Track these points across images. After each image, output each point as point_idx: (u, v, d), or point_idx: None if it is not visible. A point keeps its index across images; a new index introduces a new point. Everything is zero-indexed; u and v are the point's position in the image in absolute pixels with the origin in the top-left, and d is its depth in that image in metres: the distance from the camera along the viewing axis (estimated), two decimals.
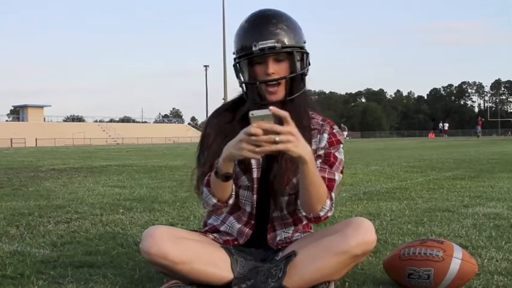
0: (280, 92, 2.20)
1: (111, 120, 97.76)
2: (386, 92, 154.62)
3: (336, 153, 2.31)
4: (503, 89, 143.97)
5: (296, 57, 2.20)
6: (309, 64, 2.27)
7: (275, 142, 1.84)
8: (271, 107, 1.84)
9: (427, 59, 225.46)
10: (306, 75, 2.26)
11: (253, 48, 2.15)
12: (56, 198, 5.92)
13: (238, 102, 2.35)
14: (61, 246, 3.35)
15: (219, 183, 2.08)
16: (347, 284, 2.40)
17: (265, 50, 2.14)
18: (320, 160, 2.27)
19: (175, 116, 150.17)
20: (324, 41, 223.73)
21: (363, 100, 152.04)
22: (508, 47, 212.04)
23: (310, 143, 2.19)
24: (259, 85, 2.19)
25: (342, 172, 2.31)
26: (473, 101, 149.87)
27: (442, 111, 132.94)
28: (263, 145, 1.85)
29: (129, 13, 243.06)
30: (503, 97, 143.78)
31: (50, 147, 41.49)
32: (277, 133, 1.84)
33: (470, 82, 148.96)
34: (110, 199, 5.76)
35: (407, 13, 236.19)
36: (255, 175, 2.27)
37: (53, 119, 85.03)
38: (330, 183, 2.21)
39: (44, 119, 77.76)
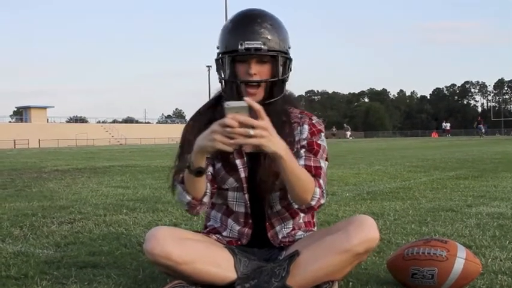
0: (259, 94, 2.20)
1: (114, 121, 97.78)
2: (389, 92, 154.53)
3: (319, 141, 2.32)
4: (506, 88, 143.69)
5: (280, 61, 2.20)
6: (291, 70, 2.27)
7: (249, 136, 1.83)
8: (246, 98, 1.84)
9: (430, 59, 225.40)
10: (287, 81, 2.26)
11: (239, 47, 2.14)
12: (59, 199, 5.93)
13: (215, 103, 2.34)
14: (65, 246, 3.35)
15: (192, 179, 2.08)
16: (350, 284, 2.40)
17: (251, 50, 2.14)
18: (304, 149, 2.27)
19: (178, 116, 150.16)
20: (326, 41, 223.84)
21: (366, 100, 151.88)
22: (511, 46, 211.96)
23: (292, 135, 2.22)
24: (239, 84, 2.19)
25: (327, 159, 2.32)
26: (476, 101, 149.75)
27: (445, 111, 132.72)
28: (237, 138, 1.83)
29: (131, 14, 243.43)
30: (506, 96, 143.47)
31: (53, 148, 41.55)
32: (252, 127, 1.83)
33: (473, 82, 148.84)
34: (113, 199, 5.76)
35: (410, 12, 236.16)
36: (242, 175, 2.26)
37: (56, 120, 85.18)
38: (316, 171, 2.21)
39: (47, 120, 77.86)
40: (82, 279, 2.56)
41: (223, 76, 2.23)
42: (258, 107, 1.84)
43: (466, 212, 4.47)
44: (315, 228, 2.48)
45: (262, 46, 2.15)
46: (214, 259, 2.15)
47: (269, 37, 2.16)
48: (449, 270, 2.26)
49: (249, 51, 2.14)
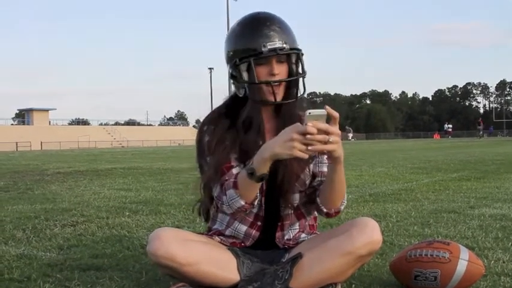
0: (280, 93, 2.22)
1: (116, 123, 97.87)
2: (391, 94, 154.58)
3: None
4: (508, 89, 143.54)
5: (301, 59, 2.24)
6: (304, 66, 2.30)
7: (327, 142, 1.88)
8: (326, 107, 1.88)
9: (431, 60, 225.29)
10: (305, 76, 2.28)
11: (263, 49, 2.15)
12: (62, 201, 5.93)
13: (232, 106, 2.33)
14: (67, 249, 3.35)
15: (250, 184, 2.07)
16: (353, 286, 2.40)
17: (276, 50, 2.15)
18: (326, 156, 2.27)
19: (180, 118, 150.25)
20: (328, 43, 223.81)
21: (368, 102, 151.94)
22: None
23: None
24: (266, 85, 2.19)
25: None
26: (478, 102, 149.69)
27: (447, 113, 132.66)
28: (315, 144, 1.87)
29: (133, 16, 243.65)
30: (509, 98, 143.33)
31: (55, 150, 41.59)
32: (329, 133, 1.88)
33: (475, 83, 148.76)
34: (115, 202, 5.76)
35: (412, 14, 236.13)
36: None
37: (58, 123, 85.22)
38: None
39: (49, 122, 77.89)
40: (85, 281, 2.56)
41: (247, 80, 2.21)
42: (336, 114, 1.89)
43: (468, 214, 4.46)
44: (317, 231, 2.49)
45: (285, 45, 2.17)
46: (218, 261, 2.15)
47: (285, 37, 2.19)
48: (452, 272, 2.26)
49: (274, 52, 2.15)
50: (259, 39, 2.17)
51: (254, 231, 2.32)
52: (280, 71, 2.20)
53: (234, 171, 2.19)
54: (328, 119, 1.89)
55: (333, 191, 2.18)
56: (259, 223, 2.32)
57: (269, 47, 2.15)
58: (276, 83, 2.19)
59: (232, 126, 2.28)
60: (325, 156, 2.26)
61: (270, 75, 2.18)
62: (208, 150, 2.28)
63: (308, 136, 1.86)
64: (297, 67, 2.25)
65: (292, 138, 1.89)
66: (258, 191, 2.17)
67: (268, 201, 2.29)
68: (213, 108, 2.41)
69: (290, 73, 2.24)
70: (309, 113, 1.86)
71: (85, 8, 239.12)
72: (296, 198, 2.29)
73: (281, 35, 2.18)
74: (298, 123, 1.89)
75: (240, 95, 2.27)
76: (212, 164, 2.24)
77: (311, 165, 2.28)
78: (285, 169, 2.21)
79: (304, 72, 2.25)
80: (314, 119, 1.86)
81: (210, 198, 2.31)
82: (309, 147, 1.88)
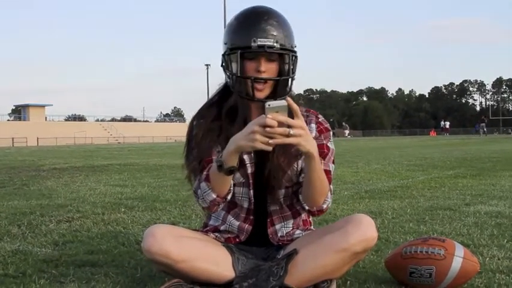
0: (266, 90, 2.21)
1: (113, 119, 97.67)
2: (387, 91, 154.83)
3: (328, 144, 2.34)
4: (504, 87, 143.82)
5: (288, 60, 2.21)
6: (295, 71, 2.27)
7: (288, 135, 1.86)
8: (288, 98, 1.86)
9: (428, 57, 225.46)
10: (294, 79, 2.26)
11: (252, 44, 2.14)
12: (57, 197, 5.93)
13: (220, 98, 2.34)
14: (63, 245, 3.35)
15: (221, 177, 2.08)
16: (348, 282, 2.40)
17: (264, 47, 2.14)
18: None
19: (176, 115, 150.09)
20: (325, 39, 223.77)
21: (365, 99, 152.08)
22: (509, 45, 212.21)
23: None
24: (252, 81, 2.17)
25: (333, 162, 2.34)
26: (474, 100, 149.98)
27: (443, 110, 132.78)
28: (276, 137, 1.86)
29: (130, 12, 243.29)
30: (505, 95, 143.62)
31: (51, 146, 41.53)
32: (290, 126, 1.86)
33: (471, 80, 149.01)
34: (111, 198, 5.76)
35: (409, 11, 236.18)
36: (249, 170, 2.26)
37: (55, 118, 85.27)
38: (326, 176, 2.22)
39: (46, 118, 77.77)
40: (80, 277, 2.55)
41: (233, 71, 2.21)
42: (295, 107, 1.87)
43: (464, 211, 4.47)
44: (312, 226, 2.49)
45: (275, 44, 2.15)
46: (213, 257, 2.15)
47: (279, 35, 2.17)
48: (447, 269, 2.26)
49: (262, 49, 2.14)
50: (251, 33, 2.15)
51: (247, 225, 2.32)
52: (268, 69, 2.18)
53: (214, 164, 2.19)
54: (290, 112, 1.87)
55: (312, 188, 2.14)
56: (251, 217, 2.32)
57: (259, 43, 2.13)
58: (259, 80, 2.17)
59: (219, 117, 2.28)
60: None
61: (257, 72, 2.17)
62: (195, 143, 2.29)
63: (268, 129, 1.85)
64: (289, 68, 2.22)
65: (253, 131, 1.88)
66: (242, 186, 2.21)
67: (258, 196, 2.29)
68: (205, 102, 2.41)
69: (280, 73, 2.22)
70: (269, 105, 1.84)
71: (81, 3, 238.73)
72: (282, 193, 2.29)
73: (276, 32, 2.16)
74: (263, 115, 1.87)
75: (228, 85, 2.28)
76: (194, 158, 2.25)
77: (299, 161, 2.26)
78: (271, 164, 2.20)
79: (291, 74, 2.22)
80: (274, 111, 1.84)
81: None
82: (270, 141, 1.87)
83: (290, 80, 2.24)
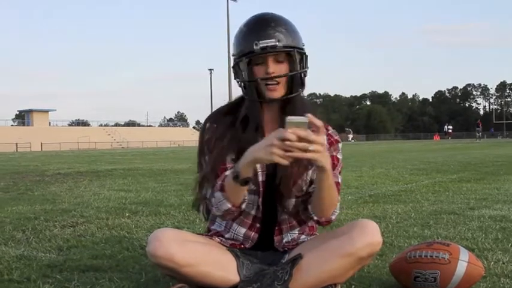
0: (279, 91, 2.20)
1: (116, 124, 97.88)
2: (391, 95, 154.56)
3: (338, 155, 2.34)
4: (508, 91, 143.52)
5: (296, 57, 2.20)
6: (308, 67, 2.27)
7: (306, 150, 1.86)
8: (308, 115, 1.86)
9: (432, 61, 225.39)
10: (306, 76, 2.26)
11: (254, 47, 2.14)
12: (61, 202, 5.94)
13: (235, 105, 2.34)
14: (67, 250, 3.35)
15: (236, 187, 2.08)
16: (353, 287, 2.40)
17: (266, 48, 2.14)
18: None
19: (180, 119, 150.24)
20: (328, 44, 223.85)
21: (368, 103, 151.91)
22: None
23: None
24: (260, 82, 2.18)
25: (340, 173, 2.35)
26: (478, 104, 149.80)
27: (447, 114, 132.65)
28: (294, 151, 1.86)
29: (133, 17, 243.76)
30: (509, 99, 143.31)
31: (55, 151, 41.58)
32: (310, 142, 1.85)
33: (475, 84, 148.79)
34: (115, 203, 5.76)
35: (412, 15, 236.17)
36: (260, 178, 2.26)
37: (58, 123, 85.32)
38: (337, 187, 2.23)
39: (49, 123, 77.92)
40: (84, 282, 2.56)
41: (244, 78, 2.22)
42: (319, 123, 1.87)
43: (468, 215, 4.46)
44: (317, 231, 2.48)
45: (277, 43, 2.15)
46: (217, 262, 2.15)
47: (281, 35, 2.16)
48: (451, 273, 2.26)
49: (265, 50, 2.14)
50: (252, 39, 2.16)
51: (253, 233, 2.32)
52: (277, 70, 2.18)
53: (227, 173, 2.19)
54: (313, 127, 1.87)
55: (321, 199, 2.14)
56: (257, 225, 2.32)
57: (261, 45, 2.14)
58: (270, 82, 2.17)
59: (233, 125, 2.28)
60: None
61: (266, 75, 2.17)
62: (207, 149, 2.29)
63: (287, 143, 1.84)
64: (300, 66, 2.21)
65: (272, 144, 1.88)
66: (251, 194, 2.20)
67: (266, 204, 2.29)
68: (220, 107, 2.42)
69: (291, 71, 2.21)
70: (289, 120, 1.84)
71: (85, 8, 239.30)
72: (292, 203, 2.29)
73: (277, 32, 2.16)
74: (281, 129, 1.87)
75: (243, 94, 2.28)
76: (208, 164, 2.25)
77: (310, 172, 2.26)
78: (283, 173, 2.20)
79: (301, 69, 2.22)
80: (294, 126, 1.84)
81: (205, 197, 2.31)
82: (288, 154, 1.86)
83: (302, 75, 2.24)
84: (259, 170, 2.26)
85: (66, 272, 2.78)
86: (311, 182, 2.26)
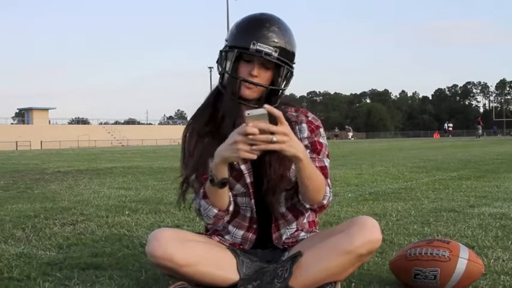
0: (255, 93, 2.20)
1: (116, 122, 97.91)
2: (391, 93, 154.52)
3: (320, 140, 2.33)
4: (508, 89, 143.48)
5: (283, 73, 2.20)
6: (288, 86, 2.26)
7: (271, 141, 1.85)
8: (266, 106, 1.85)
9: (431, 59, 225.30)
10: (283, 94, 2.26)
11: (251, 46, 2.13)
12: (61, 200, 5.94)
13: (212, 101, 2.32)
14: (67, 248, 3.35)
15: (216, 191, 2.09)
16: (353, 284, 2.40)
17: (262, 53, 2.13)
18: (308, 150, 2.27)
19: (180, 117, 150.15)
20: (327, 41, 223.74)
21: (368, 101, 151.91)
22: None
23: None
24: (240, 82, 2.16)
25: (328, 156, 2.34)
26: (478, 101, 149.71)
27: (447, 112, 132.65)
28: (259, 144, 1.85)
29: (133, 15, 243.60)
30: (509, 97, 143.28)
31: (55, 149, 41.57)
32: (273, 132, 1.85)
33: (475, 82, 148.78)
34: (115, 201, 5.76)
35: (412, 13, 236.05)
36: (248, 180, 2.26)
37: (58, 122, 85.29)
38: (323, 171, 2.23)
39: (49, 121, 77.88)
40: (84, 280, 2.56)
41: (226, 69, 2.21)
42: (278, 113, 1.85)
43: (468, 213, 4.46)
44: (317, 228, 2.48)
45: (273, 53, 2.14)
46: (217, 261, 2.15)
47: (280, 46, 2.15)
48: (451, 271, 2.26)
49: (259, 53, 2.13)
50: (252, 36, 2.14)
51: (251, 234, 2.32)
52: (261, 75, 2.18)
53: None
54: (273, 118, 1.86)
55: (305, 187, 2.13)
56: (255, 226, 2.32)
57: (258, 47, 2.13)
58: (250, 82, 2.16)
59: (211, 120, 2.27)
60: (307, 151, 2.23)
61: (248, 75, 2.17)
62: (189, 150, 2.30)
63: (250, 137, 1.84)
64: (282, 81, 2.21)
65: (235, 141, 1.88)
66: (242, 196, 2.23)
67: (259, 203, 2.29)
68: (200, 105, 2.39)
69: (272, 83, 2.21)
70: (248, 114, 1.84)
71: (85, 6, 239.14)
72: (283, 197, 2.29)
73: (277, 40, 2.15)
74: (244, 125, 1.86)
75: (218, 83, 2.27)
76: (190, 172, 2.26)
77: None
78: (268, 170, 2.19)
79: (281, 86, 2.22)
80: (255, 119, 1.83)
81: (197, 210, 2.30)
82: (253, 147, 1.86)
83: (279, 92, 2.24)
84: (246, 172, 2.26)
85: (66, 270, 2.78)
86: None
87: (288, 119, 2.22)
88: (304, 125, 2.34)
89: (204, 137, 2.27)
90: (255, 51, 2.13)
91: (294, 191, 2.27)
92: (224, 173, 2.03)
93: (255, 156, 1.90)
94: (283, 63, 2.18)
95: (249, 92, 2.18)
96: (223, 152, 1.95)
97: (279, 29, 2.19)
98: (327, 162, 2.31)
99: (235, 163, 2.20)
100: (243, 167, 2.26)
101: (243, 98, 2.19)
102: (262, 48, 2.13)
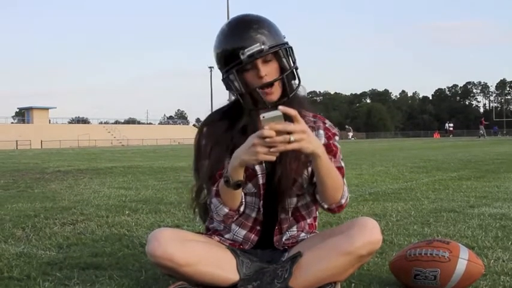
0: (276, 92, 2.18)
1: (116, 122, 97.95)
2: (391, 93, 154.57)
3: (335, 143, 2.34)
4: (508, 89, 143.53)
5: (282, 53, 2.17)
6: (295, 59, 2.23)
7: (289, 141, 1.86)
8: (280, 107, 1.85)
9: (432, 59, 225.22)
10: (297, 68, 2.23)
11: (241, 57, 2.11)
12: (61, 200, 5.93)
13: (231, 108, 2.32)
14: (67, 248, 3.35)
15: (229, 192, 2.09)
16: (353, 285, 2.40)
17: (254, 55, 2.11)
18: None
19: (180, 117, 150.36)
20: (327, 42, 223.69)
21: (368, 101, 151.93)
22: None
23: None
24: (257, 91, 2.15)
25: (342, 160, 2.35)
26: (478, 101, 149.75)
27: (447, 112, 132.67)
28: (277, 145, 1.86)
29: (133, 14, 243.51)
30: (509, 97, 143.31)
31: (55, 149, 41.57)
32: (290, 132, 1.85)
33: (475, 82, 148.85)
34: (115, 201, 5.76)
35: (412, 13, 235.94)
36: (260, 181, 2.26)
37: (58, 121, 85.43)
38: (340, 171, 2.23)
39: (49, 120, 77.96)
40: (84, 280, 2.56)
41: (238, 90, 2.18)
42: (293, 112, 1.86)
43: (468, 213, 4.46)
44: (317, 230, 2.48)
45: (263, 46, 2.11)
46: (217, 261, 2.15)
47: (264, 37, 2.13)
48: (451, 271, 2.26)
49: (252, 58, 2.11)
50: (236, 46, 2.12)
51: (253, 235, 2.32)
52: (268, 71, 2.15)
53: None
54: (289, 118, 1.87)
55: (324, 185, 2.13)
56: (258, 227, 2.32)
57: (247, 53, 2.10)
58: (266, 86, 2.15)
59: (230, 129, 2.27)
60: None
61: (259, 79, 2.15)
62: (204, 155, 2.29)
63: (267, 140, 1.85)
64: (288, 61, 2.19)
65: (253, 144, 1.89)
66: (252, 196, 2.23)
67: (267, 205, 2.29)
68: (217, 108, 2.40)
69: (282, 70, 2.19)
70: (263, 117, 1.85)
71: (85, 5, 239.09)
72: (293, 202, 2.29)
73: (259, 35, 2.12)
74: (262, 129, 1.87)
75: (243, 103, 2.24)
76: (206, 170, 2.25)
77: (309, 169, 2.24)
78: (282, 173, 2.19)
79: (292, 65, 2.19)
80: (271, 121, 1.84)
81: (204, 203, 2.31)
82: (271, 149, 1.87)
83: (294, 71, 2.21)
84: (259, 173, 2.26)
85: (66, 269, 2.78)
86: (312, 176, 2.24)
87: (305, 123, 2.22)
88: (322, 132, 2.33)
89: (220, 144, 2.25)
90: (247, 59, 2.11)
91: (306, 194, 2.28)
92: (240, 175, 2.04)
93: (273, 158, 1.91)
94: (277, 47, 2.15)
95: (272, 96, 2.17)
96: (241, 155, 1.96)
97: (252, 23, 2.16)
98: (343, 163, 2.32)
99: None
100: (257, 167, 2.25)
101: (273, 104, 2.15)
102: (252, 51, 2.10)
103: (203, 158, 2.29)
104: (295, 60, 2.22)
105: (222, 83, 2.26)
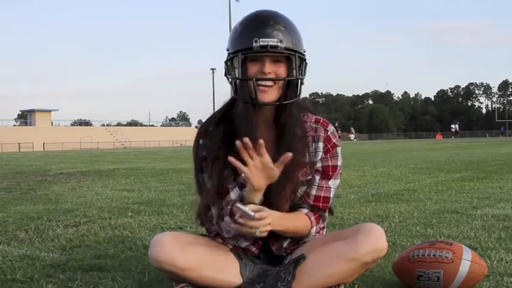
0: (273, 94, 2.10)
1: (119, 124, 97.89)
2: (393, 94, 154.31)
3: (335, 162, 2.28)
4: (510, 90, 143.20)
5: (296, 62, 2.11)
6: (305, 75, 2.17)
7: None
8: (256, 214, 1.98)
9: (434, 60, 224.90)
10: (303, 84, 2.16)
11: (254, 44, 2.05)
12: (64, 202, 5.94)
13: (227, 109, 2.25)
14: (70, 249, 3.36)
15: None
16: (356, 286, 2.39)
17: (267, 47, 2.04)
18: (318, 176, 2.25)
19: (182, 119, 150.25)
20: (330, 43, 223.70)
21: (370, 102, 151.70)
22: None
23: (304, 155, 2.19)
24: (254, 82, 2.07)
25: (340, 175, 2.33)
26: (480, 102, 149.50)
27: (449, 113, 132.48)
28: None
29: (136, 16, 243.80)
30: (511, 98, 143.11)
31: (57, 151, 41.60)
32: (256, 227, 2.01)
33: (477, 83, 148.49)
34: (118, 203, 5.77)
35: (414, 14, 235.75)
36: (257, 201, 2.23)
37: (61, 123, 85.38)
38: (324, 202, 2.26)
39: (52, 123, 78.02)
40: (87, 282, 2.56)
41: (236, 75, 2.12)
42: (264, 217, 2.01)
43: (471, 214, 4.46)
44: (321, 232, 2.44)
45: (279, 44, 2.05)
46: (220, 264, 2.14)
47: (284, 36, 2.07)
48: (455, 272, 2.26)
49: (264, 49, 2.05)
50: (252, 34, 2.06)
51: (255, 248, 2.27)
52: (273, 71, 2.09)
53: (232, 195, 2.19)
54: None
55: (291, 237, 2.28)
56: (260, 242, 2.26)
57: (261, 43, 2.04)
58: (263, 82, 2.08)
59: (227, 136, 2.19)
60: (317, 178, 2.27)
61: (261, 74, 2.08)
62: (204, 169, 2.24)
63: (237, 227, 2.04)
64: (298, 71, 2.12)
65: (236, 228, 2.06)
66: None
67: None
68: (213, 112, 2.34)
69: (288, 75, 2.11)
70: (236, 207, 2.00)
71: (87, 8, 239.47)
72: (287, 210, 2.26)
73: (280, 33, 2.06)
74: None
75: (233, 94, 2.20)
76: (210, 188, 2.21)
77: (303, 188, 2.25)
78: (274, 187, 2.12)
79: (298, 76, 2.12)
80: (241, 212, 1.99)
81: (210, 219, 2.29)
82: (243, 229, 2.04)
83: (299, 82, 2.14)
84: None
85: (69, 271, 2.78)
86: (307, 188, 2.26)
87: (305, 133, 2.21)
88: (321, 144, 2.25)
89: (219, 156, 2.18)
90: (259, 48, 2.05)
91: (296, 204, 2.27)
92: (257, 199, 2.11)
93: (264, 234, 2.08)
94: (292, 52, 2.09)
95: (266, 96, 2.09)
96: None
97: (274, 19, 2.11)
98: (334, 185, 2.28)
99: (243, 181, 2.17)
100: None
101: (262, 103, 2.10)
102: (266, 43, 2.04)
103: (203, 171, 2.25)
104: (304, 74, 2.16)
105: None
